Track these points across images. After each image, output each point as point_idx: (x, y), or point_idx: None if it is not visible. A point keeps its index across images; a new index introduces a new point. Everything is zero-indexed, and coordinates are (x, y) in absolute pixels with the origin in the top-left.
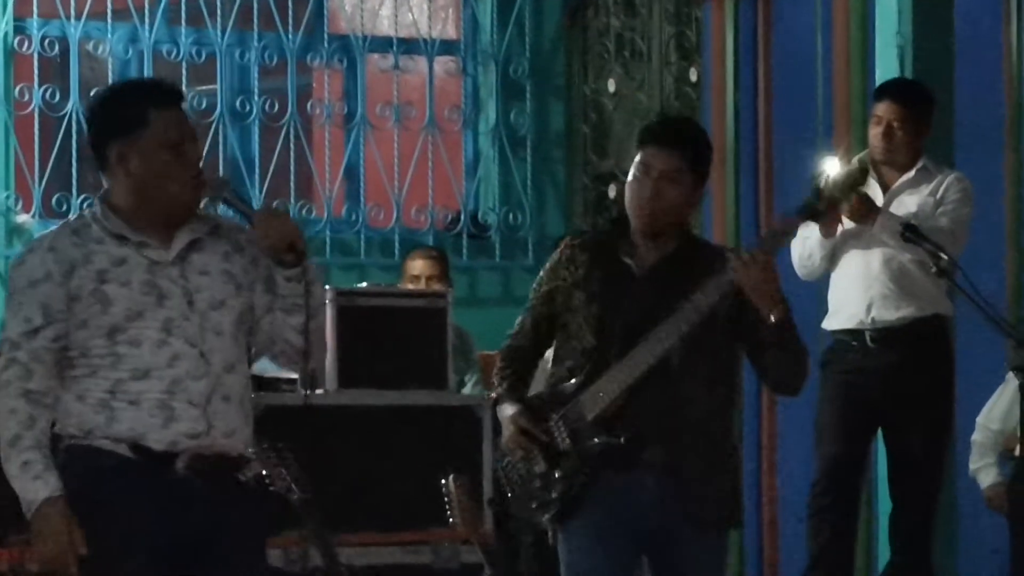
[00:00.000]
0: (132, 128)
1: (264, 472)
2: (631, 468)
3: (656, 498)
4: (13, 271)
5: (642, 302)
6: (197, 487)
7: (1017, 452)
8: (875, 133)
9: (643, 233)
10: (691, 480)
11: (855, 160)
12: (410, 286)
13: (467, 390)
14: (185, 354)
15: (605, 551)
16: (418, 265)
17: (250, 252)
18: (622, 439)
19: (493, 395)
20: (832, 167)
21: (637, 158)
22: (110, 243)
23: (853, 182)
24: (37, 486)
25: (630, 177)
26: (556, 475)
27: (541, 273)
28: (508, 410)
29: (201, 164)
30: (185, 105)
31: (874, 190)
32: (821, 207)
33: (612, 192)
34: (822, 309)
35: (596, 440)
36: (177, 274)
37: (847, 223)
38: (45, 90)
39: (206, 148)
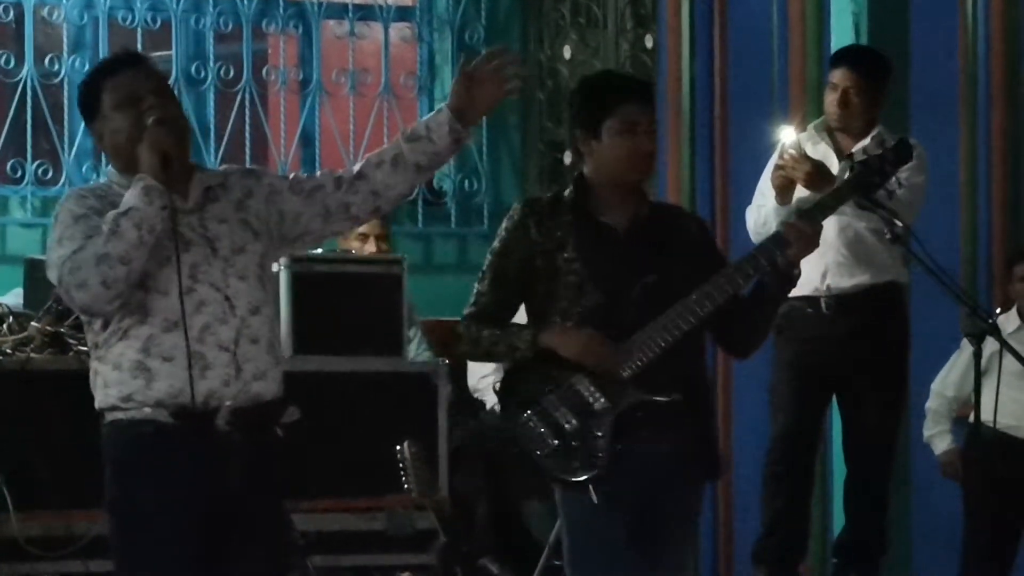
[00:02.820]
0: (93, 105)
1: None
2: (664, 427)
3: (668, 457)
4: (55, 222)
5: (635, 261)
6: (236, 443)
7: (971, 419)
8: (830, 100)
9: (626, 190)
10: (710, 436)
11: (810, 127)
12: (355, 244)
13: (412, 348)
14: (210, 299)
15: (622, 514)
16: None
17: (261, 193)
18: (661, 399)
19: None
20: (788, 135)
21: (613, 121)
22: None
23: None
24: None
25: (612, 135)
26: (597, 434)
27: (500, 240)
28: (571, 332)
29: (164, 108)
30: (148, 67)
31: (829, 158)
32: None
33: (568, 159)
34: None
35: (637, 399)
36: (197, 222)
37: (802, 190)
38: None
39: None
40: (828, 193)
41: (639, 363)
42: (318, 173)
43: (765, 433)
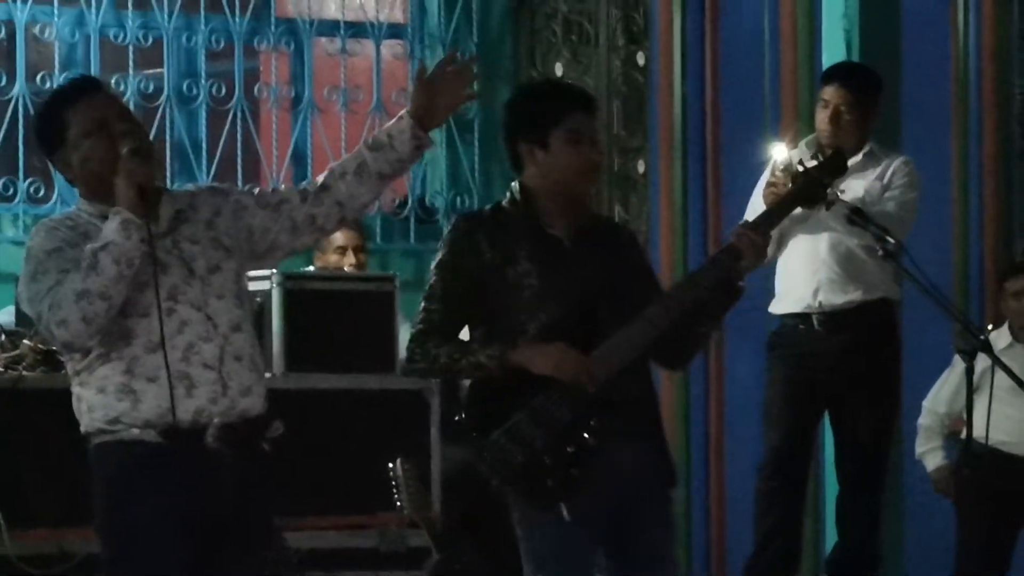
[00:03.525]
0: (56, 138)
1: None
2: (626, 438)
3: (634, 466)
4: (26, 260)
5: (586, 272)
6: (227, 460)
7: (963, 435)
8: (822, 117)
9: (568, 200)
10: (664, 446)
11: (802, 144)
12: (334, 257)
13: None
14: (192, 318)
15: (590, 530)
16: (340, 236)
17: (228, 210)
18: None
19: (448, 361)
20: (780, 152)
21: (561, 130)
22: (97, 226)
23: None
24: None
25: (561, 144)
26: (568, 450)
27: (446, 256)
28: (542, 347)
29: (134, 135)
30: (108, 93)
31: None
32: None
33: None
34: (769, 293)
35: (600, 415)
36: (171, 244)
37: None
38: None
39: (153, 132)
40: (774, 204)
41: (601, 379)
42: (283, 187)
43: (757, 449)
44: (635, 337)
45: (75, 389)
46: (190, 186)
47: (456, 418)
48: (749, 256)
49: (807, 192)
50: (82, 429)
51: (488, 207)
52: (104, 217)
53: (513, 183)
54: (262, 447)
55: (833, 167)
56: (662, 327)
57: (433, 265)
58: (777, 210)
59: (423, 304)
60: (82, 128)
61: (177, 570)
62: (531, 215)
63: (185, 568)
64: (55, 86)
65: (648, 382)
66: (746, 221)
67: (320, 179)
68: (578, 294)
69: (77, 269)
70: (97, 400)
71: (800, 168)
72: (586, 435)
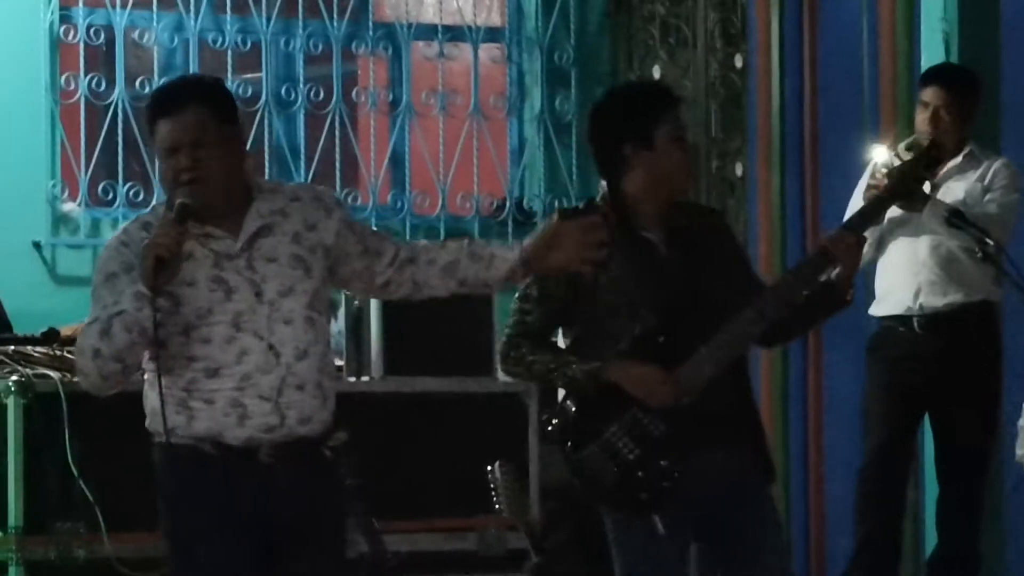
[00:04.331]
0: (152, 136)
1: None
2: (718, 448)
3: (727, 469)
4: (96, 267)
5: (680, 278)
6: (280, 474)
7: None
8: (922, 119)
9: (665, 202)
10: (764, 444)
11: (901, 146)
12: None
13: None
14: (253, 348)
15: (681, 540)
16: None
17: (329, 228)
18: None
19: (561, 373)
20: (880, 154)
21: (664, 128)
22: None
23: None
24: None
25: (667, 144)
26: (661, 464)
27: None
28: (635, 369)
29: (202, 167)
30: (197, 109)
31: None
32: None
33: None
34: (868, 295)
35: (695, 427)
36: (244, 265)
37: (894, 209)
38: (91, 79)
39: (251, 136)
40: (869, 202)
41: (697, 390)
42: (382, 237)
43: (856, 451)
44: (729, 344)
45: (145, 386)
46: (296, 186)
47: (548, 428)
48: (843, 257)
49: (902, 187)
50: (147, 424)
51: (581, 205)
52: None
53: (602, 186)
54: (322, 455)
55: (928, 159)
56: (755, 333)
57: None
58: (872, 209)
59: (517, 305)
60: (159, 145)
61: (234, 573)
62: (625, 218)
63: (243, 571)
64: (171, 78)
65: (746, 389)
66: (845, 221)
67: (413, 250)
68: (671, 300)
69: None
70: (158, 405)
71: (895, 163)
72: (680, 448)
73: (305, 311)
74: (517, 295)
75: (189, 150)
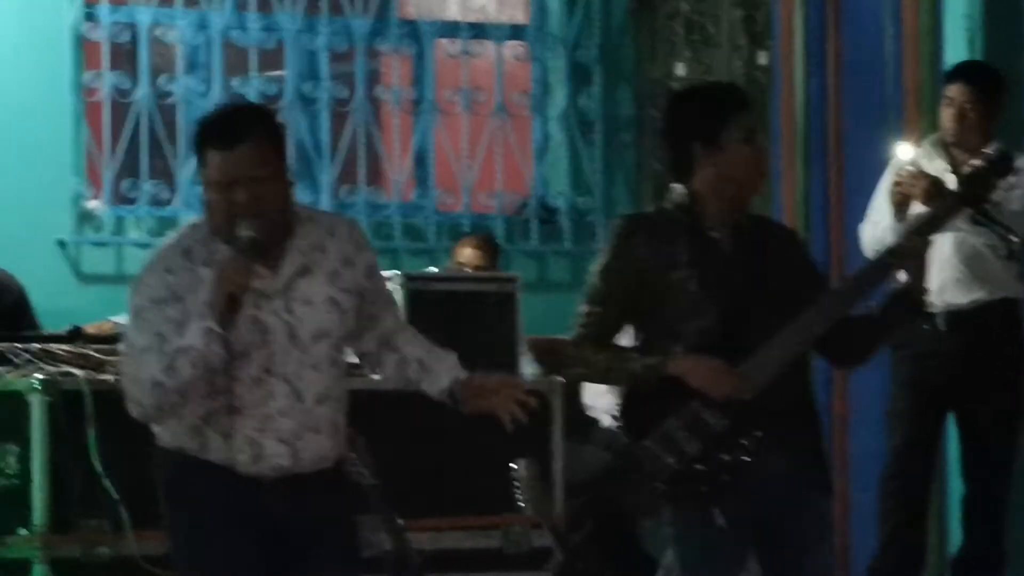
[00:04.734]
0: (199, 165)
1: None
2: (781, 446)
3: (788, 475)
4: (134, 289)
5: (745, 277)
6: (288, 493)
7: None
8: (947, 115)
9: (734, 203)
10: (823, 454)
11: (925, 143)
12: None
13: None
14: (279, 392)
15: (740, 535)
16: (466, 253)
17: (361, 265)
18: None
19: (633, 367)
20: (905, 151)
21: (734, 128)
22: (215, 250)
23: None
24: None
25: (735, 144)
26: (722, 457)
27: (607, 258)
28: (698, 361)
29: (261, 202)
30: (254, 142)
31: (946, 173)
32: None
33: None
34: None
35: (756, 423)
36: (282, 306)
37: (918, 207)
38: (115, 77)
39: None
40: (938, 207)
41: (759, 387)
42: (389, 301)
43: (882, 449)
44: (791, 344)
45: (131, 371)
46: (332, 219)
47: (616, 425)
48: (909, 260)
49: (974, 193)
50: (153, 428)
51: (651, 209)
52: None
53: (674, 186)
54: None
55: (1001, 167)
56: (818, 333)
57: (594, 267)
58: (941, 214)
59: (584, 307)
60: (212, 178)
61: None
62: (693, 218)
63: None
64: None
65: (807, 388)
66: (913, 227)
67: (403, 338)
68: (736, 299)
69: (172, 333)
70: (170, 422)
71: (969, 168)
72: (741, 443)
73: (332, 354)
74: (585, 296)
75: (247, 185)
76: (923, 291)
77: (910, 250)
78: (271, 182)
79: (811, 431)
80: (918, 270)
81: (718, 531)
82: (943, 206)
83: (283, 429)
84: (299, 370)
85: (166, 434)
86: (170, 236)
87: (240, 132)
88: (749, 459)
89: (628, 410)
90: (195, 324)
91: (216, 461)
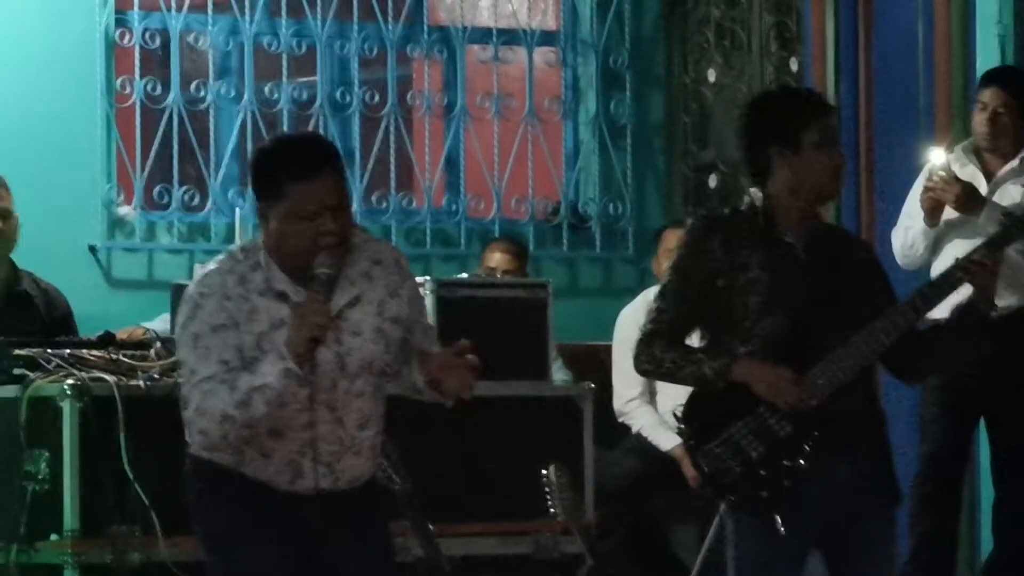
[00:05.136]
0: (269, 197)
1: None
2: (846, 454)
3: (855, 482)
4: (189, 316)
5: (816, 283)
6: (324, 506)
7: None
8: (980, 120)
9: (809, 208)
10: (890, 463)
11: (957, 149)
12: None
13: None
14: (324, 419)
15: (799, 543)
16: (495, 258)
17: (405, 294)
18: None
19: (698, 369)
20: (938, 157)
21: (812, 133)
22: (270, 299)
23: None
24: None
25: (814, 148)
26: (785, 463)
27: (681, 257)
28: (765, 368)
29: (344, 230)
30: (333, 171)
31: (977, 179)
32: None
33: (713, 182)
34: None
35: (821, 430)
36: (332, 336)
37: (950, 212)
38: (146, 83)
39: None
40: (1013, 223)
41: (825, 394)
42: (426, 329)
43: (913, 454)
44: (858, 352)
45: (188, 413)
46: (378, 246)
47: (679, 427)
48: (977, 275)
49: None
50: (187, 437)
51: (727, 210)
52: (279, 293)
53: (752, 189)
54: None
55: None
56: (886, 343)
57: (668, 264)
58: (1015, 231)
59: (656, 303)
60: (294, 210)
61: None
62: (768, 221)
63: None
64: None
65: (874, 396)
66: (986, 241)
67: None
68: (806, 304)
69: (236, 359)
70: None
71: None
72: (805, 449)
73: (377, 381)
74: (656, 294)
75: (334, 213)
76: (990, 307)
77: (979, 264)
78: (348, 210)
79: (878, 440)
80: (985, 286)
81: (778, 539)
82: (1016, 222)
83: (323, 452)
84: (344, 398)
85: (205, 448)
86: (218, 261)
87: (321, 161)
88: (809, 464)
89: (692, 411)
90: (273, 363)
91: (253, 478)
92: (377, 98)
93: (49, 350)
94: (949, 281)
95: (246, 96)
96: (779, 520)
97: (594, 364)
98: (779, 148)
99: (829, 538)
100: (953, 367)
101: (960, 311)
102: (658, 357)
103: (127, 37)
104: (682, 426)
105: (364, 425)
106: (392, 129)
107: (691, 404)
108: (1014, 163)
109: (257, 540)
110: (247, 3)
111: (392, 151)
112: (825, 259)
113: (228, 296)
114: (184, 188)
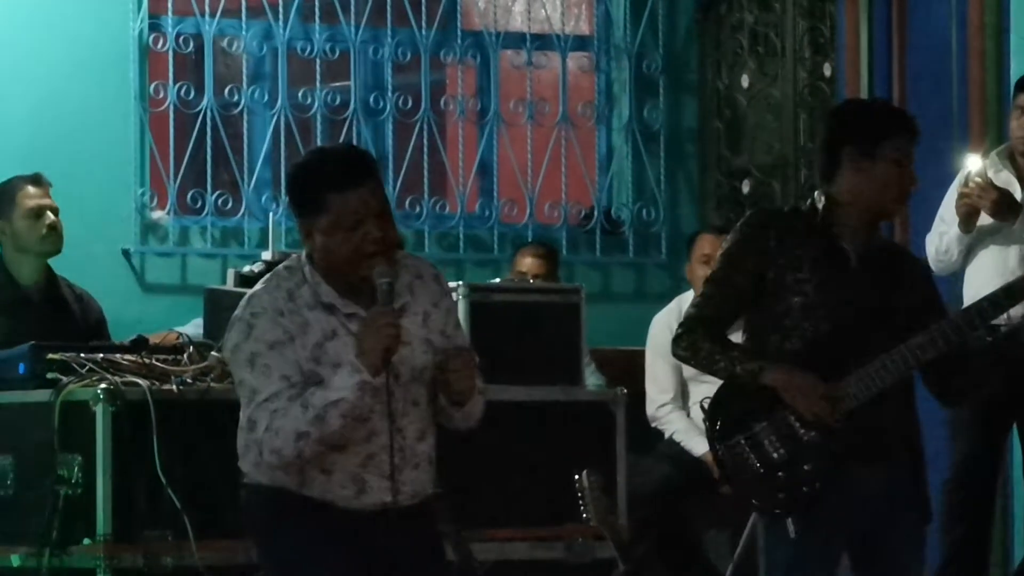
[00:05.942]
0: (311, 211)
1: None
2: (876, 465)
3: (884, 494)
4: (242, 336)
5: (865, 291)
6: (386, 525)
7: None
8: (1017, 124)
9: (870, 218)
10: (922, 477)
11: (992, 154)
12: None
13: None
14: (382, 430)
15: (827, 549)
16: (527, 262)
17: (443, 306)
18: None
19: (734, 367)
20: (974, 162)
21: (890, 146)
22: (319, 312)
23: None
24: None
25: (887, 161)
26: (805, 467)
27: (734, 246)
28: (795, 377)
29: (388, 238)
30: (374, 180)
31: (1012, 185)
32: None
33: (746, 188)
34: (956, 303)
35: (847, 440)
36: None
37: (985, 218)
38: (180, 87)
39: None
40: None
41: (854, 404)
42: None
43: (944, 461)
44: (897, 365)
45: (245, 437)
46: (416, 262)
47: (706, 424)
48: None
49: None
50: (243, 468)
51: (786, 208)
52: (327, 306)
53: (816, 192)
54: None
55: None
56: (924, 359)
57: (720, 251)
58: None
59: (704, 287)
60: (337, 221)
61: None
62: (827, 224)
63: None
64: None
65: (909, 409)
66: None
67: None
68: (849, 313)
69: (298, 374)
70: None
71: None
72: (829, 456)
73: (429, 393)
74: (706, 279)
75: (377, 220)
76: None
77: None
78: (391, 216)
79: (912, 454)
80: None
81: (802, 541)
82: None
83: (384, 465)
84: (401, 408)
85: (261, 473)
86: (264, 282)
87: (359, 169)
88: (832, 472)
89: (719, 404)
90: (346, 376)
91: (314, 497)
92: (410, 103)
93: (82, 355)
94: (994, 300)
95: (279, 101)
96: (791, 524)
97: (627, 369)
98: (854, 150)
99: (857, 546)
100: (987, 392)
101: (1006, 334)
102: (697, 345)
103: (161, 42)
104: (706, 419)
105: (422, 437)
106: (425, 134)
107: (719, 397)
108: None
109: (327, 562)
110: (281, 8)
111: (425, 156)
112: (878, 270)
113: (281, 312)
114: (217, 193)
